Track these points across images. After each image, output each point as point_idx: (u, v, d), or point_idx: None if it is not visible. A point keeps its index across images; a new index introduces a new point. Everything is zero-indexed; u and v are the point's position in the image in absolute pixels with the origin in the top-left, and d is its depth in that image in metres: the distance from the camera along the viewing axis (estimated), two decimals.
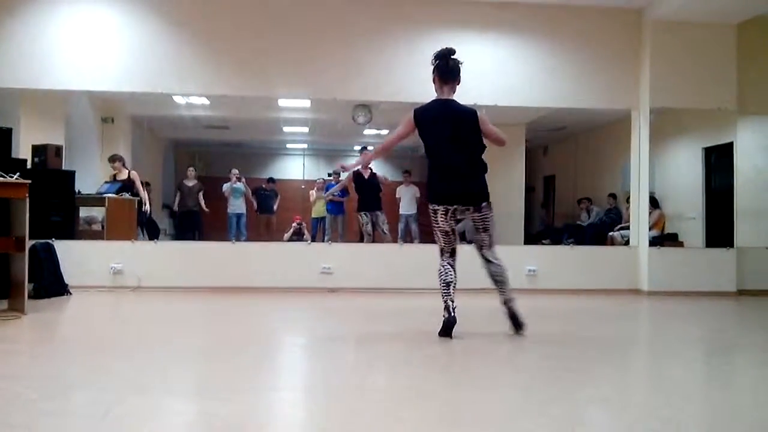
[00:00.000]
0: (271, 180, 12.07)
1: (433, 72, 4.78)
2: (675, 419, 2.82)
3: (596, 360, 4.11)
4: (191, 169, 11.58)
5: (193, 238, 10.45)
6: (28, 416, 2.65)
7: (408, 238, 10.64)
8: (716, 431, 2.67)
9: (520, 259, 7.89)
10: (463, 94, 7.77)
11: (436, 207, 4.67)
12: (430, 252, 7.94)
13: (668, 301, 7.25)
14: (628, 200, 8.66)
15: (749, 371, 4.05)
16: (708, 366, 4.28)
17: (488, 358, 4.04)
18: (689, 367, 4.13)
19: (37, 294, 6.31)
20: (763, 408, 3.08)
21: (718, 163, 8.73)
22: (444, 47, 4.76)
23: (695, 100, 7.93)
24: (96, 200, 8.00)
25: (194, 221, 11.17)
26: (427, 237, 10.75)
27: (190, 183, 11.32)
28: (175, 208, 11.18)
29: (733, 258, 7.92)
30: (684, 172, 9.60)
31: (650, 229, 8.13)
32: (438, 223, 4.74)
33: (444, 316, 4.56)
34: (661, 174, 9.14)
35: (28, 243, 5.33)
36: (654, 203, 8.55)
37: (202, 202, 11.15)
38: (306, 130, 11.66)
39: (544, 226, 12.93)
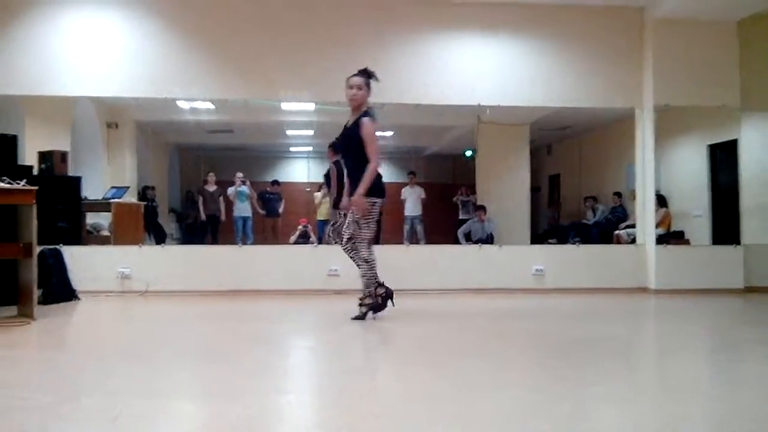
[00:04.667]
0: (275, 182, 12.08)
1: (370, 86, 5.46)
2: (683, 416, 2.82)
3: (603, 358, 4.11)
4: (212, 174, 11.72)
5: (213, 242, 10.60)
6: (40, 420, 2.67)
7: (414, 240, 10.65)
8: (724, 428, 2.67)
9: (527, 259, 7.90)
10: (467, 95, 7.88)
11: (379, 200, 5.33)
12: (438, 253, 7.98)
13: (675, 299, 7.24)
14: (635, 198, 8.63)
15: (757, 368, 4.05)
16: (715, 363, 4.27)
17: (495, 358, 4.04)
18: (696, 365, 4.13)
19: (46, 300, 6.33)
20: None
21: (723, 160, 8.72)
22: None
23: (699, 97, 7.92)
24: (102, 205, 8.04)
25: (215, 226, 11.33)
26: (432, 238, 10.80)
27: (212, 188, 11.44)
28: (202, 214, 11.32)
29: (740, 255, 7.90)
30: (689, 170, 9.58)
31: (656, 227, 8.12)
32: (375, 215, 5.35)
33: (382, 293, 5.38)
34: (666, 172, 9.12)
35: (36, 249, 5.35)
36: (661, 202, 8.53)
37: (223, 207, 11.30)
38: (310, 133, 11.68)
39: (550, 226, 12.92)
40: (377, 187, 5.24)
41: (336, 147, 5.45)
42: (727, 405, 3.07)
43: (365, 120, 5.18)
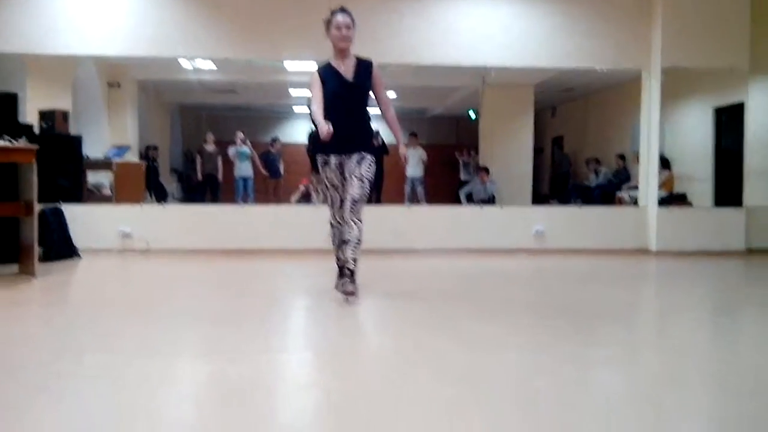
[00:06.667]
0: (274, 140, 12.04)
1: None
2: (683, 377, 2.83)
3: (604, 319, 4.12)
4: (210, 134, 11.69)
5: (212, 202, 10.62)
6: (42, 378, 2.68)
7: (414, 201, 10.64)
8: (725, 387, 2.68)
9: (528, 220, 7.88)
10: (472, 56, 7.79)
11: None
12: (439, 214, 7.98)
13: (676, 260, 7.24)
14: (638, 160, 8.57)
15: (757, 329, 4.06)
16: (716, 324, 4.29)
17: (497, 320, 4.05)
18: (697, 326, 4.14)
19: (47, 257, 6.34)
20: None
21: (729, 123, 8.65)
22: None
23: (707, 59, 7.81)
24: (104, 164, 8.03)
25: (214, 185, 11.35)
26: (434, 199, 10.79)
27: (210, 148, 11.41)
28: (199, 173, 11.31)
29: (742, 217, 7.88)
30: (694, 133, 9.51)
31: (659, 189, 8.08)
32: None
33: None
34: (671, 134, 9.05)
35: (37, 207, 5.35)
36: (665, 164, 8.49)
37: (220, 168, 11.31)
38: None
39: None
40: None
41: (334, 100, 4.52)
42: (728, 365, 3.08)
43: (377, 67, 4.70)
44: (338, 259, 4.63)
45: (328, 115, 4.40)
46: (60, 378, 2.70)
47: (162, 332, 3.62)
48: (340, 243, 4.59)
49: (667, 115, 8.35)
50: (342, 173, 4.54)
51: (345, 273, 4.46)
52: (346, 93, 4.57)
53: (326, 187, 4.65)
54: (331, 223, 4.73)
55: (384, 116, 4.79)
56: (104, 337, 3.44)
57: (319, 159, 4.60)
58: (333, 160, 4.53)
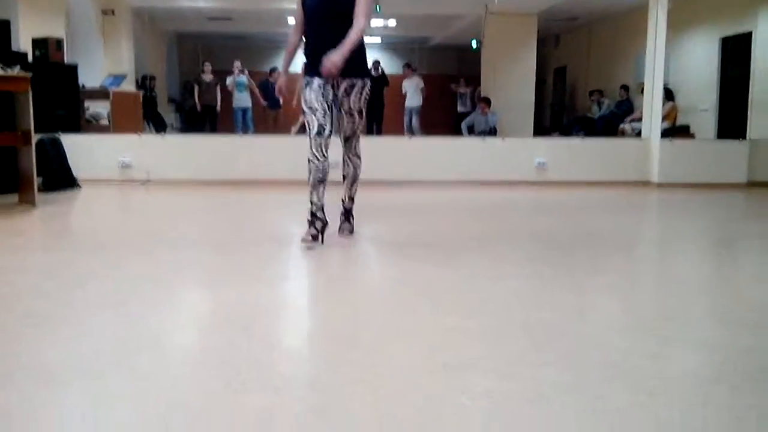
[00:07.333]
0: (273, 70, 11.88)
1: None
2: (684, 307, 2.84)
3: (604, 250, 4.12)
4: (207, 63, 11.51)
5: (211, 132, 10.55)
6: (48, 306, 2.68)
7: (411, 131, 10.61)
8: (724, 318, 2.69)
9: (530, 152, 7.82)
10: None
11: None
12: (440, 145, 7.91)
13: (678, 192, 7.22)
14: (642, 92, 8.46)
15: (756, 260, 4.07)
16: (715, 256, 4.29)
17: (498, 251, 4.05)
18: (697, 257, 4.15)
19: (47, 187, 6.32)
20: None
21: (735, 53, 8.51)
22: None
23: None
24: (101, 94, 7.92)
25: (212, 116, 11.24)
26: (433, 130, 10.72)
27: (208, 78, 11.24)
28: (198, 104, 11.17)
29: (746, 150, 7.81)
30: (699, 63, 9.38)
31: (662, 121, 8.00)
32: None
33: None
34: (676, 65, 8.92)
35: (35, 137, 5.30)
36: (668, 95, 8.37)
37: (219, 98, 11.19)
38: None
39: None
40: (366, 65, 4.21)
41: (312, 18, 4.00)
42: (727, 296, 3.10)
43: None
44: (312, 203, 4.04)
45: (307, 37, 4.06)
46: (66, 306, 2.71)
47: (164, 261, 3.62)
48: (317, 182, 4.04)
49: (673, 46, 8.19)
50: (324, 96, 3.93)
51: (340, 211, 4.36)
52: (321, 8, 3.94)
53: (304, 110, 4.02)
54: (308, 158, 4.04)
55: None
56: (106, 266, 3.44)
57: (304, 80, 4.03)
58: (316, 81, 3.92)
